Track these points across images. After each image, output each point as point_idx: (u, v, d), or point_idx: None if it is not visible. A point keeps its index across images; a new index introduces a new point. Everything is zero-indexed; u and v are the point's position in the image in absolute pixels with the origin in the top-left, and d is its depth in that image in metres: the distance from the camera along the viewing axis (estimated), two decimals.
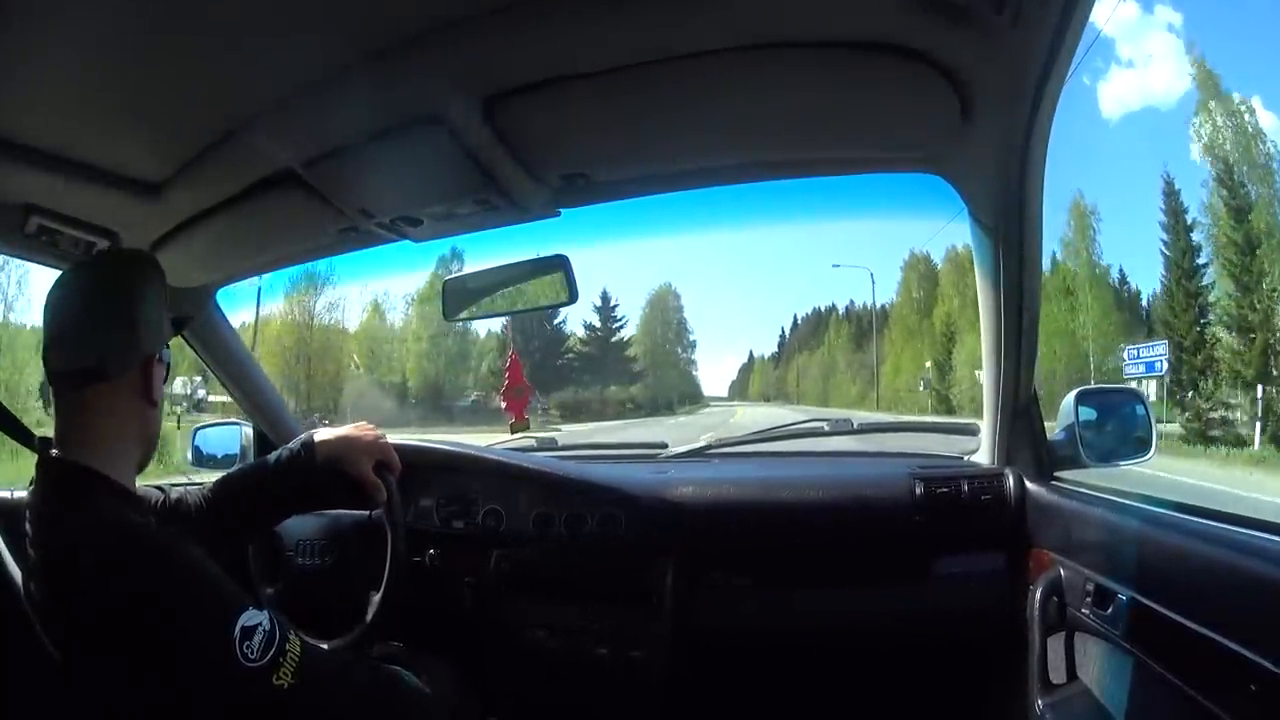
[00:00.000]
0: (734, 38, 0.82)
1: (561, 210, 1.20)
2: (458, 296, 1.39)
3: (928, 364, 26.71)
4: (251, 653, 0.75)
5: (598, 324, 35.30)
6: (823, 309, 39.49)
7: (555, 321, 33.37)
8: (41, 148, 0.99)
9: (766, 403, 39.81)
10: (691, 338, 38.78)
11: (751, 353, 47.86)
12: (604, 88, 0.88)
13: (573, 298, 1.30)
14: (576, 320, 34.80)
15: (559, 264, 1.29)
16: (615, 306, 35.64)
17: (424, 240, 1.27)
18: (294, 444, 1.14)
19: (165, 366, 0.92)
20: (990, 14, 0.73)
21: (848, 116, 0.98)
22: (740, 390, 46.04)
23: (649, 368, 35.43)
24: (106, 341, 0.85)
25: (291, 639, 0.80)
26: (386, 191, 1.11)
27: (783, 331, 44.20)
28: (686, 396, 37.44)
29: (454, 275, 1.37)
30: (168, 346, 0.93)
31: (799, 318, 42.63)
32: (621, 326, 35.89)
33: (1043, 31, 0.76)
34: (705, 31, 0.81)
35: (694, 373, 39.74)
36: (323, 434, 1.16)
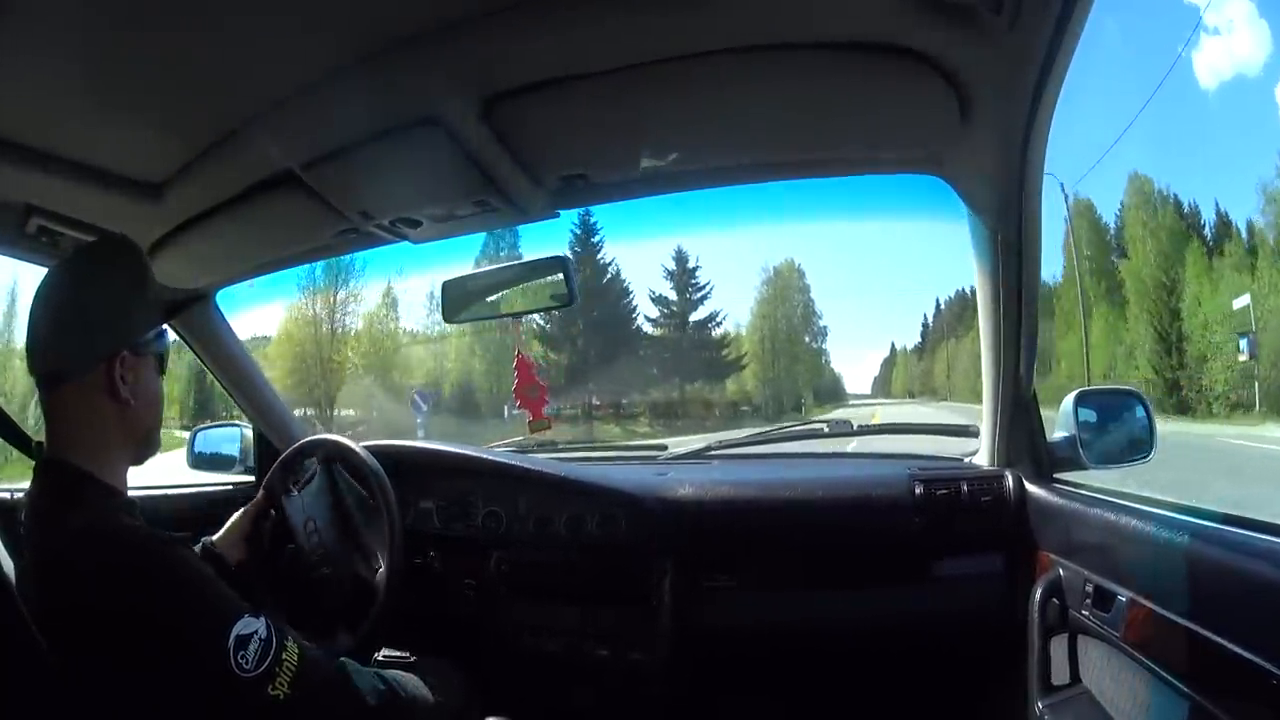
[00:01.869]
0: (733, 39, 0.82)
1: (560, 211, 1.20)
2: (457, 298, 1.39)
3: (1241, 302, 14.99)
4: (247, 662, 0.74)
5: (672, 296, 25.56)
6: (967, 290, 30.80)
7: (624, 302, 24.70)
8: (41, 148, 0.99)
9: (911, 399, 33.95)
10: (821, 323, 30.21)
11: (893, 344, 39.85)
12: (603, 89, 0.88)
13: (572, 299, 1.30)
14: (642, 293, 25.64)
15: (559, 265, 1.29)
16: (695, 270, 25.60)
17: (423, 241, 1.27)
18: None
19: (156, 358, 0.90)
20: (989, 15, 0.73)
21: (845, 117, 0.98)
22: (883, 387, 38.58)
23: (765, 359, 26.93)
24: (61, 344, 0.83)
25: (289, 646, 0.79)
26: (386, 193, 1.11)
27: (925, 318, 37.08)
28: (824, 394, 29.85)
29: (452, 277, 1.37)
30: (159, 338, 0.91)
31: (942, 301, 35.39)
32: (704, 297, 25.92)
33: (1041, 32, 0.76)
34: (704, 32, 0.81)
35: (829, 366, 31.80)
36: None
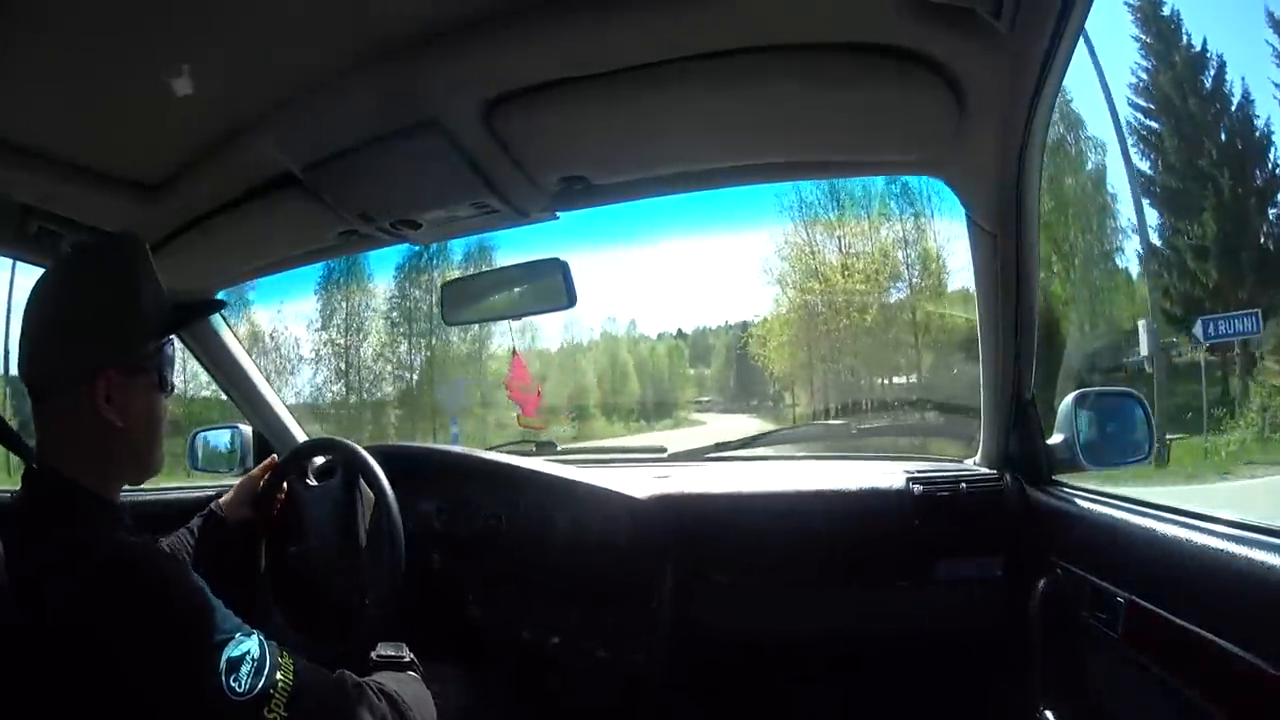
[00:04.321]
0: (732, 40, 0.82)
1: (560, 213, 1.20)
2: (456, 300, 1.39)
3: None
4: (239, 685, 0.70)
5: None
6: None
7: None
8: (41, 150, 1.00)
9: None
10: None
11: None
12: (603, 91, 0.88)
13: (571, 301, 1.30)
14: None
15: (556, 267, 1.30)
16: None
17: (424, 243, 1.27)
18: (197, 518, 1.31)
19: (157, 375, 0.83)
20: (988, 18, 0.73)
21: (845, 119, 0.98)
22: None
23: None
24: (43, 358, 0.79)
25: (284, 665, 0.75)
26: (386, 195, 1.11)
27: None
28: None
29: (452, 279, 1.38)
30: (159, 351, 0.84)
31: None
32: None
33: (1040, 36, 0.76)
34: (704, 34, 0.81)
35: None
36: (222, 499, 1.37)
